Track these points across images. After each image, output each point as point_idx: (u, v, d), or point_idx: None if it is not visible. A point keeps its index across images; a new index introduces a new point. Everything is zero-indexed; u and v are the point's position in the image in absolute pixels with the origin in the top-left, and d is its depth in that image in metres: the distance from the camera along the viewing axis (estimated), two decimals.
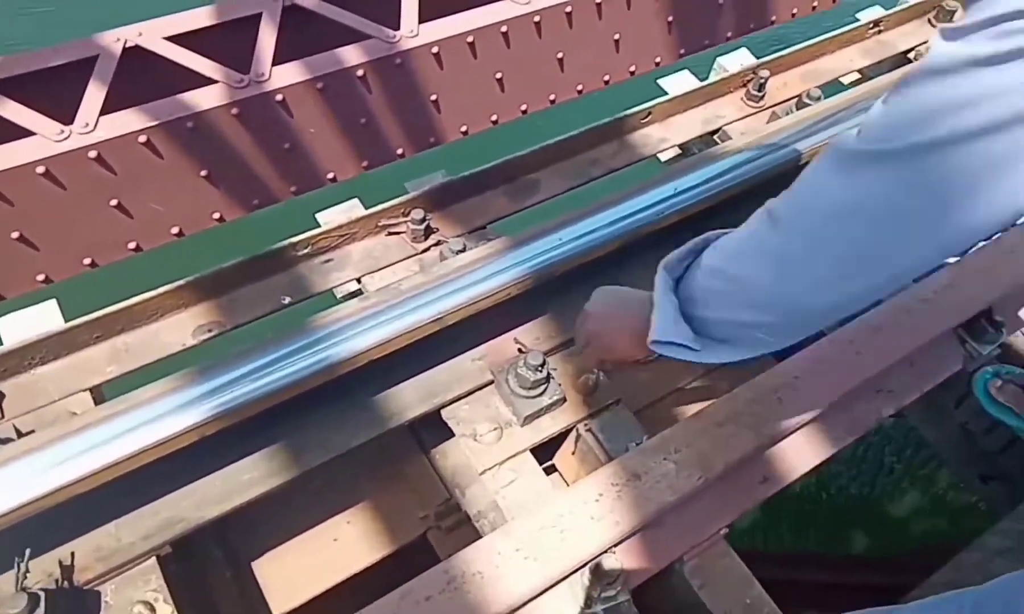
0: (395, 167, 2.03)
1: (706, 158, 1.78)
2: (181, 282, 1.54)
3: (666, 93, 2.30)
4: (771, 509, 2.80)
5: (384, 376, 1.51)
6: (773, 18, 2.50)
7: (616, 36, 2.19)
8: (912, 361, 1.60)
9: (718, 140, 2.20)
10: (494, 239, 1.57)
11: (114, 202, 1.68)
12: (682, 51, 2.37)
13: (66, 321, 1.53)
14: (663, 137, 2.15)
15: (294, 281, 1.67)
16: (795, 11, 2.50)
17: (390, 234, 1.79)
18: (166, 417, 1.23)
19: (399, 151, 2.03)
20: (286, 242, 1.65)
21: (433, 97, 1.98)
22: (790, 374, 1.44)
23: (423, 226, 1.74)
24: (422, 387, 1.53)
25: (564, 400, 1.54)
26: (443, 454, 1.62)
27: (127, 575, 1.24)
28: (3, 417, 1.38)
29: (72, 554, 1.21)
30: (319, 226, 1.79)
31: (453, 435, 1.62)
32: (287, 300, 1.63)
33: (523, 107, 2.16)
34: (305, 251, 1.68)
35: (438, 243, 1.78)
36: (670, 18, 2.25)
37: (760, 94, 2.25)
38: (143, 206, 1.73)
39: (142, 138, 1.65)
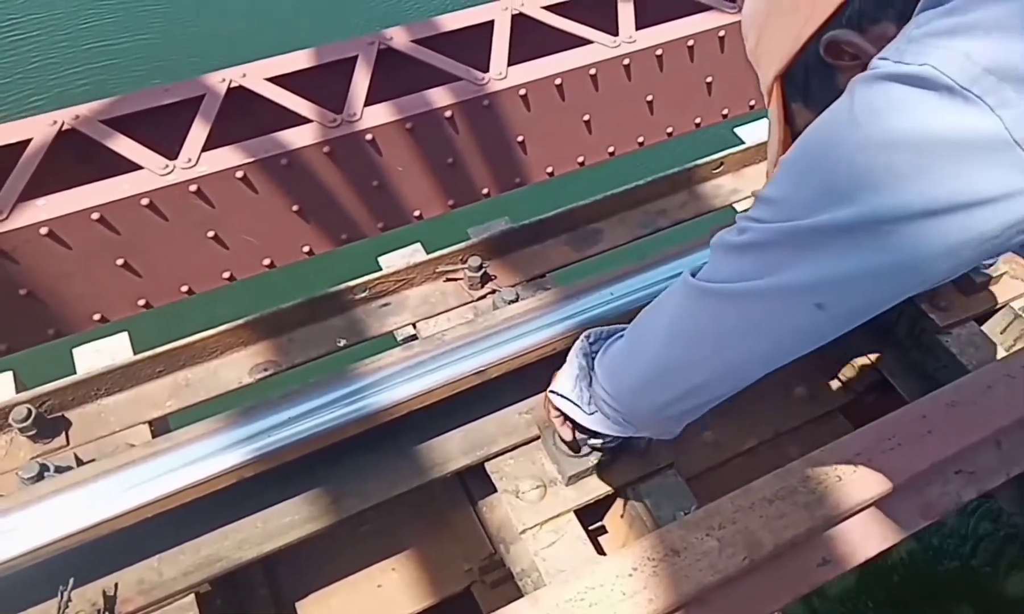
0: (459, 212, 2.06)
1: None
2: (241, 321, 1.59)
3: (743, 141, 2.23)
4: (866, 575, 2.63)
5: (430, 424, 1.50)
6: None
7: (708, 79, 2.17)
8: (998, 441, 1.47)
9: None
10: (549, 289, 1.54)
11: (211, 233, 1.78)
12: None
13: (135, 354, 1.60)
14: (735, 188, 2.08)
15: (351, 324, 1.70)
16: None
17: (448, 280, 1.79)
18: (210, 457, 1.26)
19: (484, 191, 2.07)
20: (344, 285, 1.68)
21: (520, 138, 2.01)
22: (852, 450, 1.34)
23: (480, 273, 1.74)
24: (467, 438, 1.51)
25: (612, 461, 1.49)
26: (490, 507, 1.60)
27: (166, 610, 1.27)
28: (68, 444, 1.45)
29: (116, 585, 1.25)
30: (380, 269, 1.81)
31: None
32: (343, 343, 1.65)
33: (611, 149, 2.16)
34: (363, 294, 1.71)
35: (494, 291, 1.77)
36: None
37: None
38: (238, 238, 1.82)
39: (239, 174, 1.74)
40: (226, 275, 1.85)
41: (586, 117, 2.05)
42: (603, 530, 1.65)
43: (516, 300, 1.61)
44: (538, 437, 1.53)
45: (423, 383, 1.36)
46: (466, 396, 1.47)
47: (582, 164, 2.14)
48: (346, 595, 1.62)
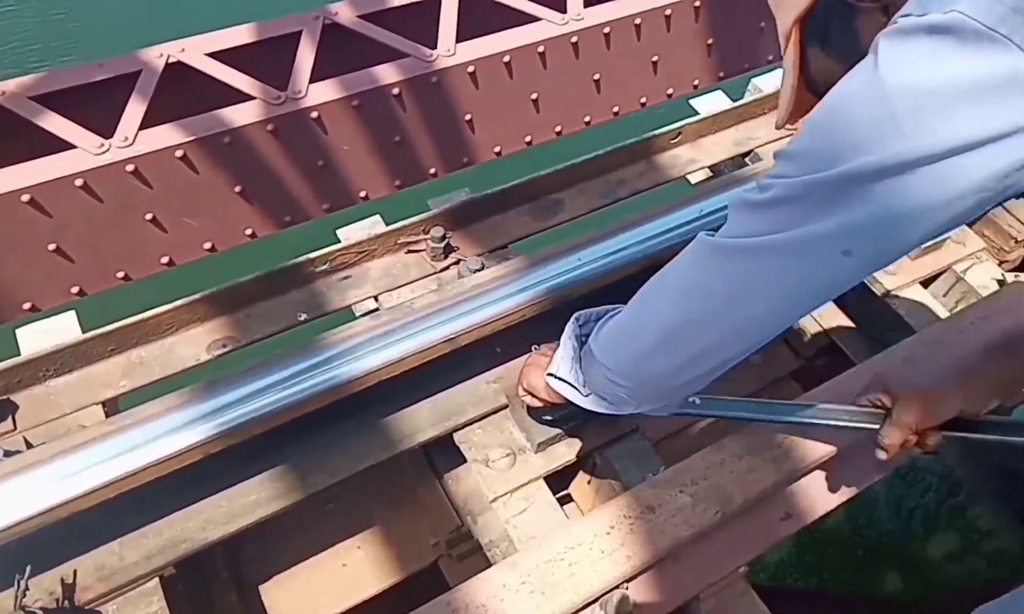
0: (418, 187, 2.02)
1: (734, 180, 1.73)
2: (197, 296, 1.54)
3: (698, 113, 2.25)
4: (798, 545, 2.70)
5: (396, 397, 1.48)
6: None
7: (655, 58, 2.16)
8: None
9: (749, 162, 2.14)
10: (514, 258, 1.53)
11: (149, 216, 1.69)
12: (721, 74, 2.32)
13: (84, 332, 1.52)
14: (692, 158, 2.10)
15: (311, 297, 1.66)
16: None
17: (409, 252, 1.76)
18: (172, 434, 1.22)
19: (432, 170, 2.02)
20: (304, 257, 1.64)
21: (468, 117, 1.98)
22: None
23: (443, 244, 1.72)
24: (435, 409, 1.49)
25: (579, 427, 1.49)
26: (456, 479, 1.59)
27: (129, 596, 1.22)
28: (15, 429, 1.38)
29: (74, 572, 1.20)
30: (339, 242, 1.77)
31: (466, 461, 1.58)
32: (303, 316, 1.61)
33: (557, 128, 2.14)
34: (323, 267, 1.67)
35: (458, 262, 1.75)
36: (710, 41, 2.21)
37: None
38: (177, 221, 1.74)
39: (179, 153, 1.66)
40: (164, 260, 1.76)
41: (534, 95, 2.03)
42: (568, 499, 1.65)
43: (481, 269, 1.59)
44: (506, 406, 1.52)
45: (392, 352, 1.34)
46: (434, 366, 1.45)
47: (529, 143, 2.12)
48: (310, 576, 1.59)
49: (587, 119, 2.17)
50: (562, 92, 2.07)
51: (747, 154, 2.16)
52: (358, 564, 1.62)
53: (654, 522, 1.22)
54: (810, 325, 1.97)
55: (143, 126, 1.67)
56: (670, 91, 2.27)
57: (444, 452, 1.59)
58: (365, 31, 1.95)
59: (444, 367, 1.48)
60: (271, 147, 1.77)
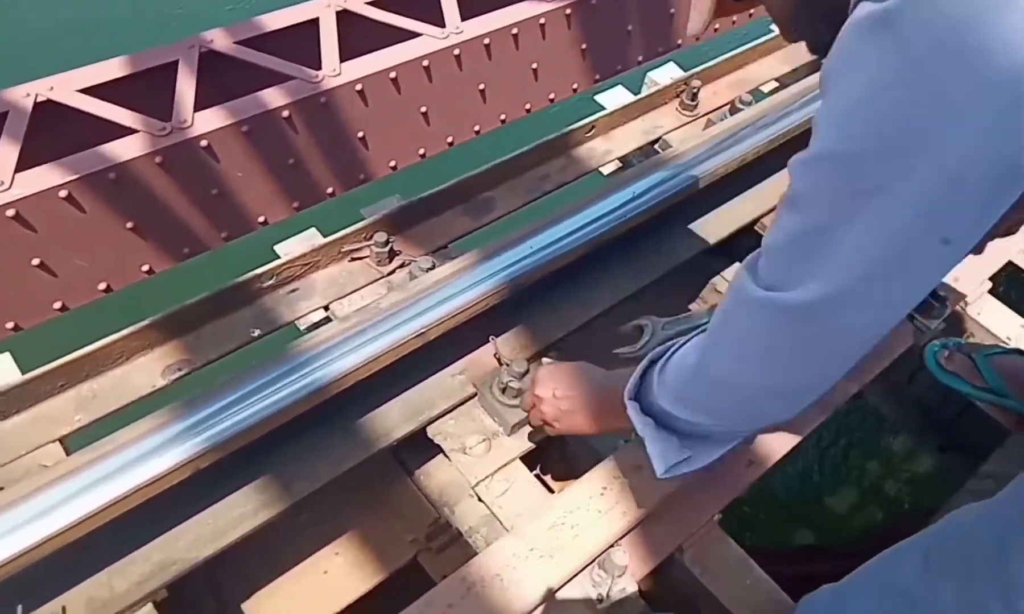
0: (349, 194, 2.02)
1: (659, 163, 1.84)
2: (146, 323, 1.49)
3: (604, 107, 2.37)
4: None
5: (366, 400, 1.49)
6: (679, 42, 2.62)
7: (534, 65, 2.24)
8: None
9: (659, 149, 2.27)
10: (466, 253, 1.58)
11: (36, 261, 1.60)
12: (597, 77, 2.45)
13: (23, 373, 1.45)
14: (607, 149, 2.21)
15: (261, 314, 1.64)
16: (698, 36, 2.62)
17: (353, 259, 1.77)
18: (151, 456, 1.19)
19: (329, 190, 2.02)
20: (250, 274, 1.62)
21: (360, 134, 1.98)
22: None
23: (387, 248, 1.74)
24: (406, 406, 1.51)
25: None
26: (427, 474, 1.61)
27: None
28: None
29: (63, 609, 1.14)
30: (279, 258, 1.76)
31: (435, 455, 1.61)
32: (256, 333, 1.59)
33: (449, 139, 2.18)
34: (270, 282, 1.65)
35: (403, 265, 1.78)
36: (583, 46, 2.33)
37: (694, 103, 2.34)
38: (67, 263, 1.66)
39: (63, 193, 1.59)
40: (57, 305, 1.67)
41: (423, 109, 2.06)
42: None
43: (433, 268, 1.62)
44: (474, 395, 1.56)
45: (366, 351, 1.35)
46: (400, 365, 1.47)
47: (423, 156, 2.16)
48: (292, 587, 1.56)
49: (476, 128, 2.23)
50: (450, 104, 2.12)
51: (655, 142, 2.29)
52: (338, 570, 1.60)
53: (642, 479, 1.29)
54: None
55: (19, 168, 1.60)
56: (552, 96, 2.36)
57: (412, 451, 1.61)
58: (245, 56, 1.93)
59: (409, 366, 1.50)
60: (160, 180, 1.72)
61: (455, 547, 1.61)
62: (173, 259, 1.82)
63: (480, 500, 1.50)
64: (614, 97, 2.47)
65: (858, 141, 0.74)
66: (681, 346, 1.08)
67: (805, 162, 0.82)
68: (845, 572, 1.21)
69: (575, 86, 2.40)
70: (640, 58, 2.53)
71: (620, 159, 2.27)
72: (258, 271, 1.63)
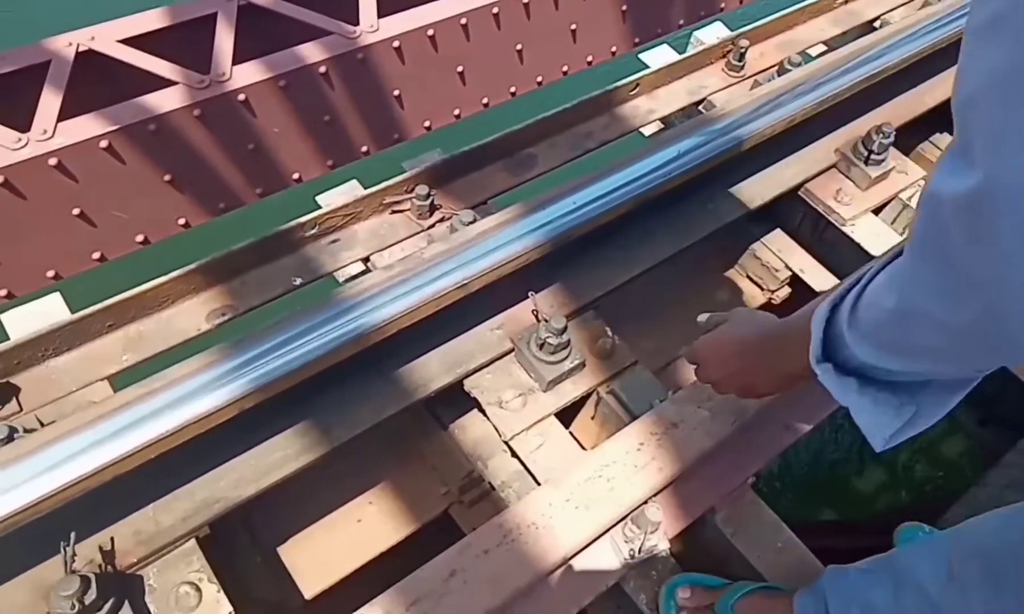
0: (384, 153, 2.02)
1: (705, 121, 1.81)
2: (192, 267, 1.51)
3: (648, 66, 2.33)
4: None
5: (405, 351, 1.50)
6: (722, 5, 2.56)
7: (573, 26, 2.20)
8: None
9: (703, 110, 2.23)
10: (509, 207, 1.57)
11: (76, 211, 1.62)
12: (636, 40, 2.40)
13: (73, 312, 1.48)
14: (651, 108, 2.18)
15: (303, 262, 1.65)
16: None
17: (394, 212, 1.78)
18: (198, 394, 1.21)
19: (363, 149, 2.01)
20: (294, 222, 1.63)
21: (396, 92, 1.97)
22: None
23: (428, 202, 1.74)
24: (444, 359, 1.53)
25: (584, 364, 1.56)
26: (462, 429, 1.63)
27: (168, 558, 1.22)
28: (21, 410, 1.33)
29: (112, 540, 1.18)
30: (320, 208, 1.76)
31: (470, 410, 1.62)
32: (298, 281, 1.61)
33: (484, 100, 2.16)
34: (312, 231, 1.66)
35: (443, 219, 1.78)
36: (624, 7, 2.28)
37: (741, 64, 2.29)
38: (106, 214, 1.68)
39: (103, 143, 1.60)
40: (96, 256, 1.70)
41: (459, 68, 2.03)
42: None
43: (474, 222, 1.62)
44: (511, 350, 1.56)
45: (408, 301, 1.36)
46: (440, 317, 1.48)
47: (458, 116, 2.13)
48: (327, 533, 1.60)
49: (512, 90, 2.20)
50: (486, 63, 2.09)
51: (700, 102, 2.25)
52: (372, 519, 1.63)
53: (678, 436, 1.29)
54: (772, 260, 2.09)
55: (61, 118, 1.61)
56: (590, 58, 2.32)
57: (446, 404, 1.63)
58: (283, 10, 1.91)
59: (448, 319, 1.51)
60: (199, 133, 1.72)
61: (486, 502, 1.63)
62: (209, 213, 1.83)
63: (514, 455, 1.51)
64: (659, 56, 2.43)
65: None
66: (867, 284, 0.84)
67: None
68: (867, 551, 1.21)
69: (614, 49, 2.37)
70: (681, 21, 2.49)
71: (662, 120, 2.23)
72: (301, 220, 1.64)
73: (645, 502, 1.24)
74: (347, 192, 1.84)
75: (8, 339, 1.42)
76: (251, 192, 1.87)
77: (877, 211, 2.07)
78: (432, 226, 1.76)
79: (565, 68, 2.28)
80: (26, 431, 1.21)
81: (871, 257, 1.91)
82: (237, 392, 1.20)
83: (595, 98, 2.08)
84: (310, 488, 1.60)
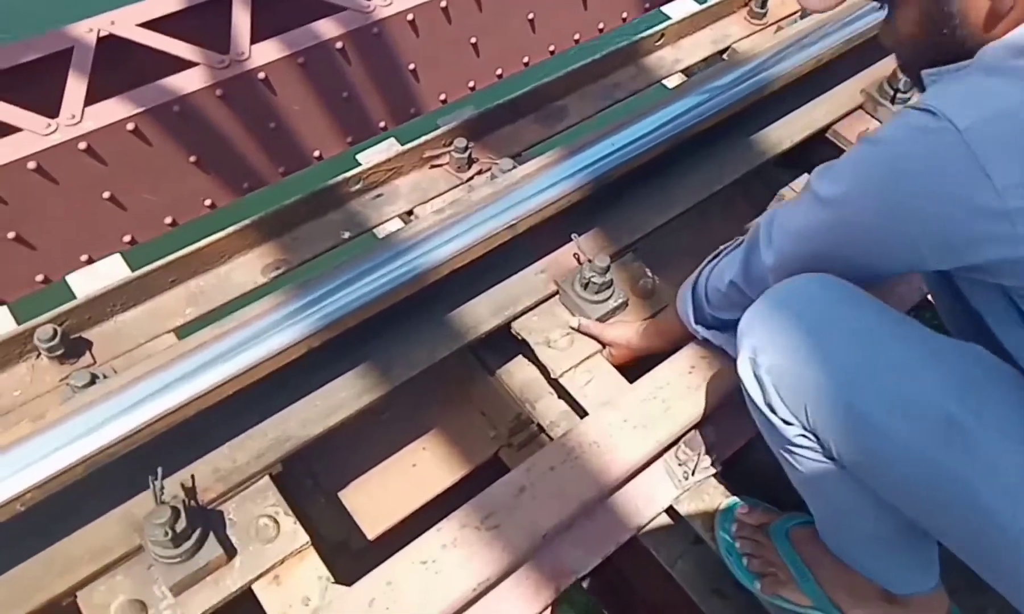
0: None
1: (732, 64, 1.84)
2: (247, 222, 1.56)
3: (670, 18, 2.36)
4: None
5: (454, 296, 1.55)
6: None
7: None
8: None
9: (726, 59, 2.26)
10: (549, 152, 1.61)
11: (107, 194, 1.66)
12: (647, 5, 2.42)
13: (132, 271, 1.54)
14: (677, 58, 2.20)
15: (349, 216, 1.70)
16: None
17: (433, 166, 1.82)
18: (269, 334, 1.27)
19: (381, 124, 2.04)
20: (340, 178, 1.68)
21: (411, 66, 1.99)
22: None
23: (467, 154, 1.78)
24: (492, 302, 1.57)
25: (627, 303, 1.60)
26: (509, 373, 1.67)
27: (245, 493, 1.28)
28: (95, 362, 1.39)
29: (192, 477, 1.24)
30: (360, 166, 1.81)
31: (515, 356, 1.67)
32: (347, 234, 1.66)
33: (498, 72, 2.18)
34: (356, 187, 1.71)
35: (481, 171, 1.82)
36: None
37: (763, 11, 2.31)
38: (136, 197, 1.71)
39: (130, 126, 1.63)
40: (127, 238, 1.73)
41: (473, 39, 2.05)
42: None
43: (513, 170, 1.66)
44: (556, 293, 1.61)
45: (461, 242, 1.40)
46: (487, 260, 1.53)
47: (473, 89, 2.16)
48: (383, 478, 1.66)
49: (526, 60, 2.22)
50: (500, 34, 2.11)
51: (724, 51, 2.28)
52: (426, 463, 1.69)
53: (728, 361, 1.33)
54: None
55: (88, 102, 1.64)
56: (601, 25, 2.34)
57: (493, 351, 1.67)
58: None
59: (493, 264, 1.56)
60: (221, 112, 1.76)
61: (534, 444, 1.68)
62: (234, 193, 1.87)
63: (560, 396, 1.56)
64: (680, 8, 2.45)
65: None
66: (709, 273, 1.32)
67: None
68: None
69: (625, 15, 2.39)
70: None
71: (686, 72, 2.26)
72: (346, 175, 1.69)
73: (698, 424, 1.29)
74: (386, 149, 1.89)
75: (75, 297, 1.47)
76: (274, 171, 1.90)
77: None
78: (471, 178, 1.80)
79: (577, 36, 2.30)
80: (105, 377, 1.27)
81: None
82: (306, 331, 1.25)
83: (622, 49, 2.11)
84: (366, 436, 1.66)
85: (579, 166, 1.54)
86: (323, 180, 1.72)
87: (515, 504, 1.15)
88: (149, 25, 1.84)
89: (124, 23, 1.84)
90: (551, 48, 2.26)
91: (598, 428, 1.23)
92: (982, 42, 0.94)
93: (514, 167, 1.68)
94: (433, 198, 1.77)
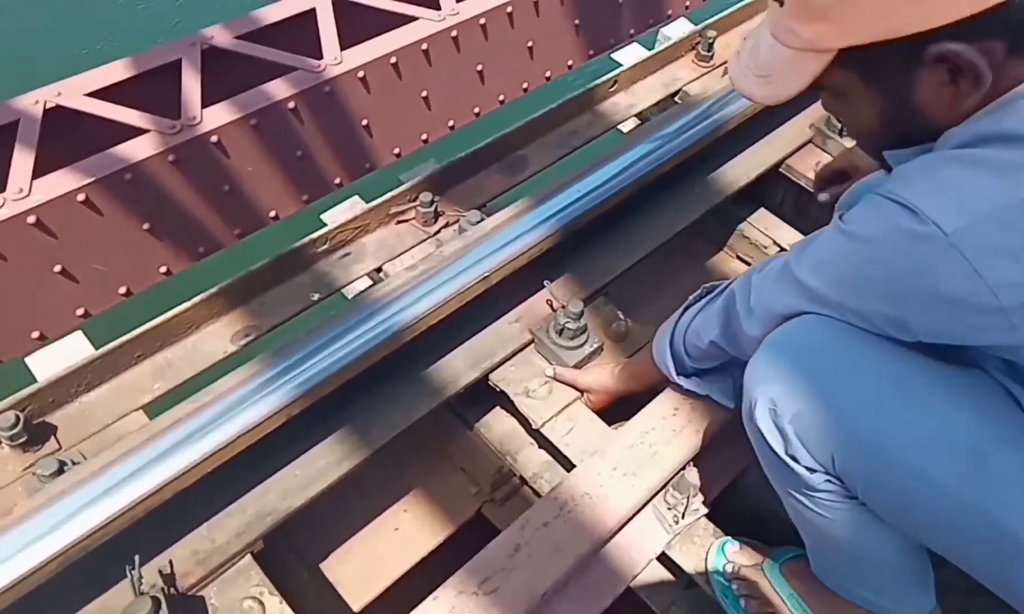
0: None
1: (684, 109, 1.89)
2: (213, 290, 1.53)
3: (621, 64, 2.41)
4: None
5: (428, 353, 1.54)
6: (669, 12, 2.64)
7: (529, 43, 2.26)
8: None
9: (679, 101, 2.31)
10: (517, 202, 1.62)
11: (58, 268, 1.61)
12: (591, 52, 2.46)
13: (95, 348, 1.49)
14: (631, 103, 2.25)
15: (318, 278, 1.68)
16: (688, 4, 2.66)
17: (399, 222, 1.81)
18: (244, 407, 1.23)
19: (336, 181, 2.03)
20: (307, 239, 1.66)
21: (364, 122, 2.00)
22: None
23: (432, 208, 1.78)
24: (468, 355, 1.56)
25: (602, 348, 1.60)
26: (488, 427, 1.65)
27: (226, 576, 1.23)
28: (60, 448, 1.33)
29: (171, 562, 1.19)
30: (325, 226, 1.79)
31: (493, 408, 1.66)
32: (316, 297, 1.63)
33: (450, 123, 2.20)
34: (323, 247, 1.69)
35: (447, 225, 1.82)
36: (577, 21, 2.34)
37: (710, 54, 2.38)
38: (88, 268, 1.66)
39: (80, 197, 1.60)
40: (80, 312, 1.68)
41: (424, 93, 2.07)
42: None
43: (481, 221, 1.66)
44: (531, 342, 1.60)
45: (436, 297, 1.39)
46: (460, 315, 1.52)
47: (426, 141, 2.17)
48: (365, 545, 1.61)
49: (476, 110, 2.24)
50: (450, 87, 2.13)
51: (676, 94, 2.33)
52: (409, 527, 1.65)
53: (710, 401, 1.34)
54: (760, 238, 2.16)
55: (36, 175, 1.60)
56: (548, 74, 2.38)
57: (471, 405, 1.65)
58: (246, 50, 1.94)
59: (467, 317, 1.55)
60: (174, 178, 1.73)
61: (518, 497, 1.66)
62: (189, 258, 1.83)
63: (541, 446, 1.56)
64: (630, 53, 2.51)
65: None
66: (687, 325, 1.33)
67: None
68: None
69: (570, 63, 2.43)
70: (632, 31, 2.55)
71: (639, 116, 2.30)
72: (312, 236, 1.67)
73: (686, 466, 1.28)
74: (350, 207, 1.88)
75: (36, 381, 1.42)
76: (230, 234, 1.88)
77: None
78: (438, 232, 1.79)
79: (525, 85, 2.33)
80: (74, 464, 1.21)
81: None
82: (284, 399, 1.22)
83: (577, 97, 2.14)
84: (346, 502, 1.62)
85: (547, 214, 1.55)
86: (285, 240, 1.70)
87: (511, 565, 1.12)
88: (97, 94, 1.81)
89: (72, 93, 1.80)
90: (500, 98, 2.29)
91: (588, 478, 1.22)
92: (945, 126, 0.94)
93: (482, 219, 1.68)
94: (401, 254, 1.76)
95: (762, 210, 2.21)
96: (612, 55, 2.52)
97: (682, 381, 1.36)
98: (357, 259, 1.73)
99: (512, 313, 1.62)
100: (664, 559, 1.35)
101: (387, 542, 1.63)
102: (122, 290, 1.74)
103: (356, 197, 1.94)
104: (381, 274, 1.73)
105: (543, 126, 2.08)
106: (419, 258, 1.73)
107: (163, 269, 1.80)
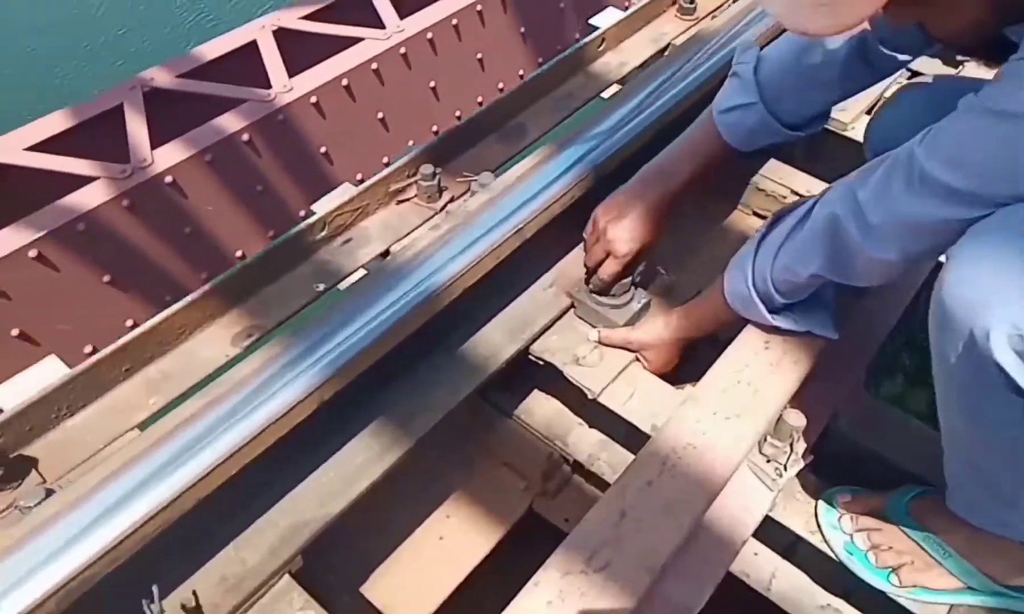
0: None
1: (696, 41, 1.76)
2: (206, 289, 1.32)
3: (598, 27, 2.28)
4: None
5: (463, 325, 1.36)
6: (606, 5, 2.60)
7: (479, 56, 2.23)
8: None
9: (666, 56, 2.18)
10: (536, 150, 1.46)
11: (15, 332, 1.52)
12: (540, 59, 2.41)
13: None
14: (622, 61, 2.11)
15: (320, 267, 1.47)
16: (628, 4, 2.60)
17: (400, 202, 1.62)
18: (270, 395, 1.03)
19: (302, 213, 1.96)
20: (304, 225, 1.46)
21: (322, 149, 1.95)
22: None
23: (436, 181, 1.59)
24: (506, 326, 1.38)
25: (650, 303, 1.44)
26: (528, 412, 1.47)
27: (263, 602, 1.01)
28: (44, 481, 1.10)
29: (195, 594, 0.97)
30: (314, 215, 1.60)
31: (530, 392, 1.48)
32: (321, 287, 1.43)
33: (409, 142, 2.15)
34: (322, 234, 1.50)
35: (453, 199, 1.64)
36: (522, 29, 2.31)
37: (692, 6, 2.27)
38: (48, 329, 1.57)
39: (32, 253, 1.53)
40: None
41: (380, 114, 2.03)
42: None
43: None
44: (570, 307, 1.43)
45: (468, 256, 1.21)
46: (491, 280, 1.34)
47: (387, 163, 2.08)
48: (407, 559, 1.40)
49: (435, 128, 2.21)
50: (405, 105, 2.09)
51: (665, 49, 2.20)
52: (454, 534, 1.44)
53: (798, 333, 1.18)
54: (777, 189, 2.02)
55: None
56: (501, 85, 2.35)
57: (504, 390, 1.47)
58: (191, 89, 1.88)
59: (499, 282, 1.37)
60: (131, 224, 1.66)
61: (571, 487, 1.47)
62: (156, 307, 1.71)
63: (592, 424, 1.40)
64: (609, 17, 2.38)
65: None
66: (771, 265, 1.14)
67: None
68: None
69: (521, 72, 2.40)
70: (577, 35, 2.50)
71: (619, 82, 2.16)
72: (309, 222, 1.48)
73: (789, 402, 1.11)
74: (341, 194, 1.68)
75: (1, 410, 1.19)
76: (196, 277, 1.80)
77: (868, 111, 2.06)
78: (444, 207, 1.61)
79: (480, 99, 2.29)
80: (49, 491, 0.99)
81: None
82: (315, 380, 1.02)
83: (568, 59, 2.00)
84: (383, 514, 1.41)
85: (573, 159, 1.38)
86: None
87: (619, 534, 0.93)
88: (38, 147, 1.73)
89: (9, 149, 1.72)
90: (457, 114, 2.26)
91: (687, 427, 1.03)
92: None
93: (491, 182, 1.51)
94: (408, 234, 1.57)
95: (772, 161, 2.09)
96: (591, 21, 2.39)
97: (778, 321, 1.18)
98: (360, 244, 1.53)
99: (545, 277, 1.45)
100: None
101: (431, 554, 1.41)
102: (87, 349, 1.64)
103: (346, 184, 1.75)
104: (390, 257, 1.54)
105: (538, 91, 1.92)
106: (427, 236, 1.56)
107: (129, 323, 1.71)
